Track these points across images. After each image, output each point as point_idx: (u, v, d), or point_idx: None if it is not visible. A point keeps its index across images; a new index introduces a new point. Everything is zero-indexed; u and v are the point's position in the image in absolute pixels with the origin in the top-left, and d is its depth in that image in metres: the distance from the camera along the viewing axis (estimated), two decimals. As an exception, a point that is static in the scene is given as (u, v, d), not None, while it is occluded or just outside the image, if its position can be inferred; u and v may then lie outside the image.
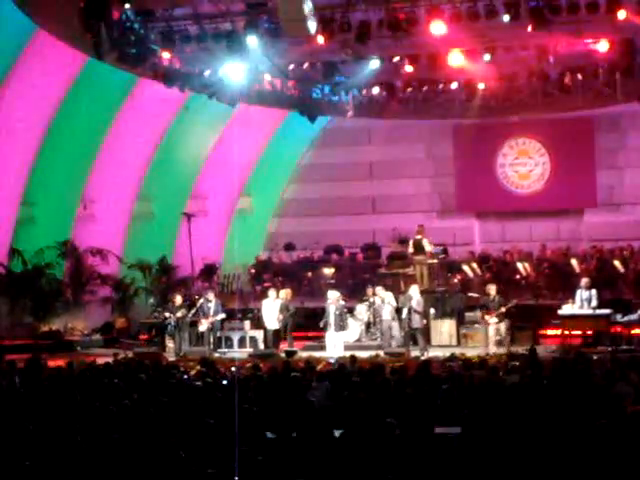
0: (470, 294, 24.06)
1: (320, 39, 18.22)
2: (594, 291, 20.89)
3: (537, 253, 27.38)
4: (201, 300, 22.28)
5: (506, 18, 17.41)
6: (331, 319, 21.26)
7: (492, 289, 21.55)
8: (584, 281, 21.34)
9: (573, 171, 29.66)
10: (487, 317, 21.15)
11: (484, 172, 30.69)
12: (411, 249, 24.20)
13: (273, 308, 22.11)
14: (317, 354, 20.66)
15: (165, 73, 21.01)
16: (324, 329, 21.54)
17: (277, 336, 22.19)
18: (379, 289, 22.31)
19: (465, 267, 25.77)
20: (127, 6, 18.54)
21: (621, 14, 16.98)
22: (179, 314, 22.05)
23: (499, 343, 20.97)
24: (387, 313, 21.74)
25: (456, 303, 23.41)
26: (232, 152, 29.01)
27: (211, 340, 21.92)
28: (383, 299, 21.95)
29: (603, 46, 19.69)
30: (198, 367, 17.13)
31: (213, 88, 22.30)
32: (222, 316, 22.48)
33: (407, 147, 31.29)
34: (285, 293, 22.71)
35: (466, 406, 10.64)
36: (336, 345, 21.08)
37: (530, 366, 15.12)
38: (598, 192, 29.61)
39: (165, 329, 22.39)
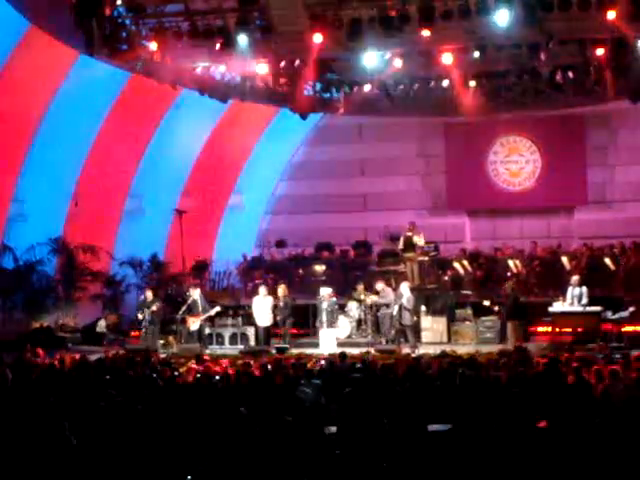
0: (465, 292, 24.16)
1: (312, 35, 18.25)
2: (585, 288, 20.95)
3: (528, 250, 27.42)
4: (191, 298, 22.27)
5: (498, 15, 17.46)
6: (323, 316, 21.33)
7: (507, 287, 21.77)
8: (574, 278, 21.40)
9: (564, 169, 29.73)
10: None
11: (475, 169, 30.75)
12: (402, 246, 24.26)
13: (264, 305, 22.11)
14: (308, 351, 20.69)
15: (157, 69, 20.99)
16: (318, 326, 21.62)
17: (268, 333, 22.20)
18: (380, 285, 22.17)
19: (456, 264, 25.82)
20: (119, 2, 18.55)
21: (611, 14, 17.01)
22: (154, 308, 22.07)
23: (491, 340, 21.19)
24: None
25: (447, 300, 23.46)
26: (223, 149, 29.09)
27: (200, 337, 21.99)
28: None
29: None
30: (189, 364, 17.14)
31: (204, 84, 22.30)
32: (217, 309, 22.48)
33: (398, 144, 31.30)
34: (283, 289, 22.59)
35: (457, 403, 10.65)
36: (328, 342, 21.12)
37: (520, 363, 15.16)
38: (589, 190, 29.70)
39: (140, 324, 22.39)
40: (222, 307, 23.18)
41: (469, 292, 24.24)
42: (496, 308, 21.95)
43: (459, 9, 17.52)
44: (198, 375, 14.42)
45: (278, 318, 22.15)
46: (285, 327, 22.17)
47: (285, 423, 9.80)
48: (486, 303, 22.37)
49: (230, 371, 15.19)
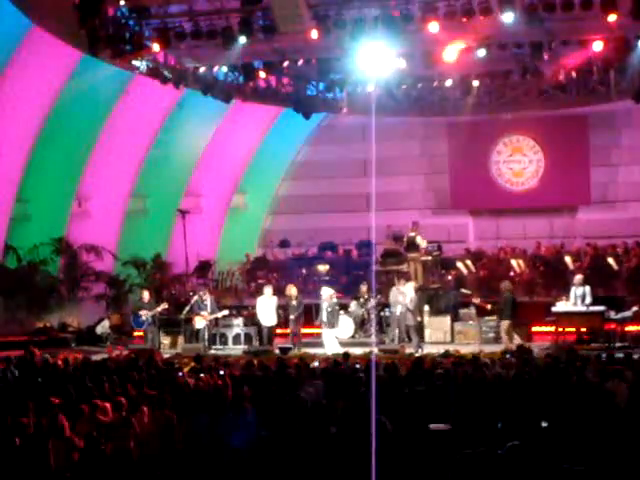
0: (464, 291, 24.11)
1: (315, 35, 18.24)
2: (587, 288, 20.89)
3: (531, 250, 27.40)
4: (195, 297, 22.29)
5: (501, 15, 17.42)
6: (324, 316, 21.33)
7: (502, 286, 21.74)
8: (577, 278, 21.36)
9: (567, 168, 29.70)
10: None
11: (478, 169, 30.72)
12: (405, 246, 24.26)
13: (269, 305, 22.07)
14: (312, 351, 20.69)
15: (160, 70, 21.00)
16: (320, 326, 21.63)
17: (271, 333, 22.19)
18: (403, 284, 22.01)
19: (459, 264, 25.80)
20: (122, 3, 18.55)
21: (611, 17, 16.98)
22: (159, 309, 22.11)
23: (495, 340, 21.21)
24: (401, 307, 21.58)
25: (450, 300, 23.44)
26: (227, 149, 29.11)
27: (206, 337, 22.00)
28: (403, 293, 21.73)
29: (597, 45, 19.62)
30: (192, 364, 17.17)
31: (208, 85, 22.31)
32: (225, 312, 22.52)
33: (402, 144, 31.27)
34: (294, 289, 22.42)
35: (459, 403, 10.67)
36: (330, 342, 21.11)
37: (523, 363, 15.17)
38: (592, 189, 29.65)
39: (142, 325, 22.37)
40: (225, 307, 23.20)
41: (469, 292, 24.16)
42: (488, 307, 21.91)
43: (462, 8, 17.50)
44: (201, 375, 14.44)
45: (290, 317, 22.11)
46: (295, 327, 22.00)
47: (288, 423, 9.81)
48: (475, 301, 22.37)
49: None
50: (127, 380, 13.59)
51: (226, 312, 22.65)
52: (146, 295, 22.66)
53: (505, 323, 21.00)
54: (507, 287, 21.52)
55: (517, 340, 20.77)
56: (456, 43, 19.49)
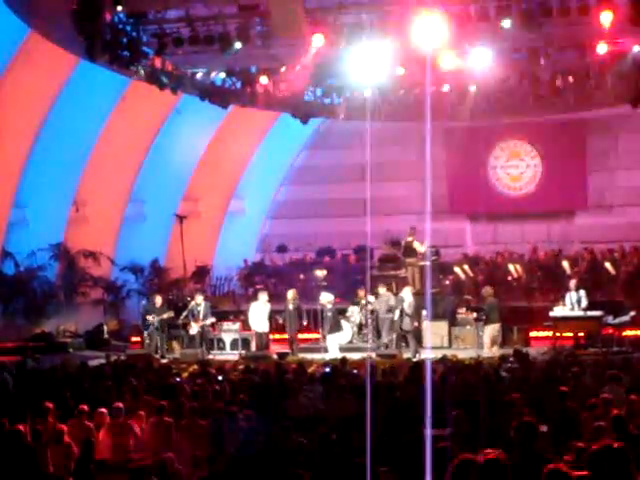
0: (467, 297, 24.14)
1: (312, 41, 18.27)
2: (583, 292, 20.95)
3: (529, 255, 27.41)
4: (192, 303, 22.31)
5: (498, 21, 17.46)
6: (325, 321, 21.37)
7: (484, 292, 21.67)
8: (572, 282, 21.41)
9: (564, 173, 29.75)
10: None
11: (476, 174, 30.75)
12: (402, 251, 24.27)
13: (262, 311, 22.03)
14: (309, 356, 20.69)
15: (157, 75, 21.00)
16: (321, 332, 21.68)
17: (267, 338, 22.19)
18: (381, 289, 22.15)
19: (457, 269, 25.81)
20: (119, 8, 18.56)
21: (609, 19, 16.99)
22: (165, 315, 22.13)
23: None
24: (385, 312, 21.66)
25: (448, 305, 23.45)
26: (224, 154, 29.11)
27: (202, 342, 22.00)
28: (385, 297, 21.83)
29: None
30: (191, 369, 17.18)
31: (205, 90, 22.33)
32: (212, 320, 22.52)
33: (399, 149, 31.30)
34: (292, 293, 22.40)
35: (457, 407, 10.66)
36: (330, 347, 21.13)
37: (521, 367, 15.19)
38: (589, 194, 29.71)
39: (147, 329, 22.37)
40: (223, 312, 23.21)
41: (469, 297, 24.19)
42: (474, 314, 21.97)
43: (460, 14, 17.53)
44: (199, 381, 14.45)
45: (284, 322, 22.11)
46: (292, 332, 22.02)
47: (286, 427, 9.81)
48: (460, 311, 22.44)
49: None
50: (124, 385, 13.60)
51: (213, 320, 22.66)
52: (158, 300, 22.69)
53: (492, 328, 21.00)
54: (489, 292, 21.58)
55: (496, 346, 20.77)
56: (453, 49, 19.55)
